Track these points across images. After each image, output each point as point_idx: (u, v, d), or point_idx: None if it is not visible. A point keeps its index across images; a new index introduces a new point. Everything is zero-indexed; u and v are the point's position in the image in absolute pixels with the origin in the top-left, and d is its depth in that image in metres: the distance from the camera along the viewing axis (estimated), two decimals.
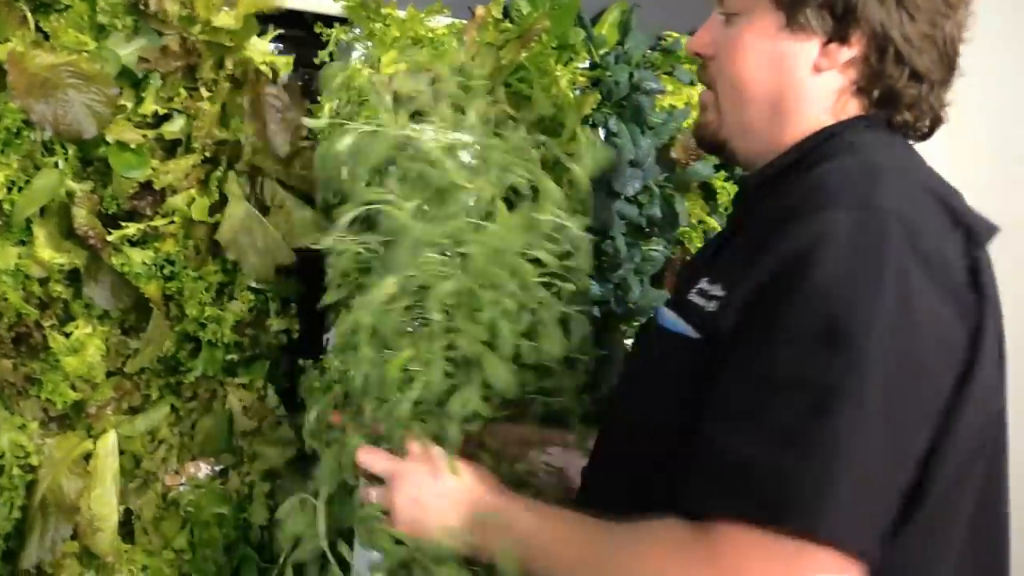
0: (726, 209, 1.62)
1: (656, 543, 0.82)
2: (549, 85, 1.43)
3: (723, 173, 1.62)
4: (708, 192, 1.62)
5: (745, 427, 0.78)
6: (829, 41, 0.90)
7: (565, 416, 1.06)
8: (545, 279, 0.98)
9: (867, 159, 0.87)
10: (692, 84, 1.59)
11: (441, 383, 0.93)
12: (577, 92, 1.48)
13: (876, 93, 0.93)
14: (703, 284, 0.89)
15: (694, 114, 1.58)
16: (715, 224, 1.61)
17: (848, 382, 0.74)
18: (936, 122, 0.95)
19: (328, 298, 1.01)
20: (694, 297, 0.89)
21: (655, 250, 1.53)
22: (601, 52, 1.51)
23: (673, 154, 1.54)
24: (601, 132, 1.51)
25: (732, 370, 0.80)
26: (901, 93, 0.92)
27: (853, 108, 0.94)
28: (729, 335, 0.82)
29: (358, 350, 0.94)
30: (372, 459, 0.96)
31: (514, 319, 0.94)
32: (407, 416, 0.93)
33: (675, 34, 1.61)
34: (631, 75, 1.51)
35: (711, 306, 0.86)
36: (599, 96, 1.48)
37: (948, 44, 0.91)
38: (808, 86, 0.93)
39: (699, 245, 1.61)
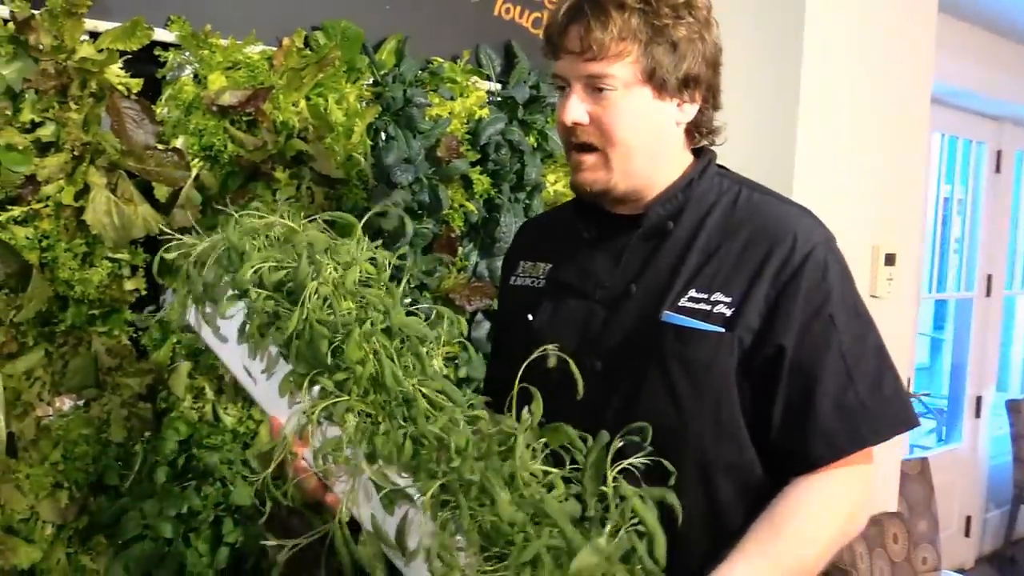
0: (481, 196, 2.07)
1: (810, 500, 1.18)
2: (341, 99, 1.83)
3: (479, 168, 2.07)
4: (467, 182, 2.06)
5: (848, 389, 1.19)
6: (682, 102, 1.25)
7: None
8: None
9: (777, 195, 1.31)
10: (452, 99, 2.02)
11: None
12: (363, 104, 1.89)
13: (704, 129, 1.31)
14: (693, 293, 1.21)
15: (455, 122, 2.02)
16: (472, 207, 2.05)
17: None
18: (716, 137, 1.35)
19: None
20: (691, 303, 1.21)
21: (425, 227, 1.97)
22: (382, 73, 1.92)
23: (438, 153, 1.96)
24: (382, 136, 1.92)
25: (812, 354, 1.18)
26: (714, 127, 1.33)
27: (687, 142, 1.30)
28: (758, 326, 1.19)
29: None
30: None
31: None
32: None
33: (439, 60, 2.04)
34: (405, 92, 1.92)
35: (721, 308, 1.20)
36: (380, 108, 1.89)
37: (720, 85, 1.30)
38: (673, 136, 1.28)
39: (460, 224, 2.05)
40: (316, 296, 1.10)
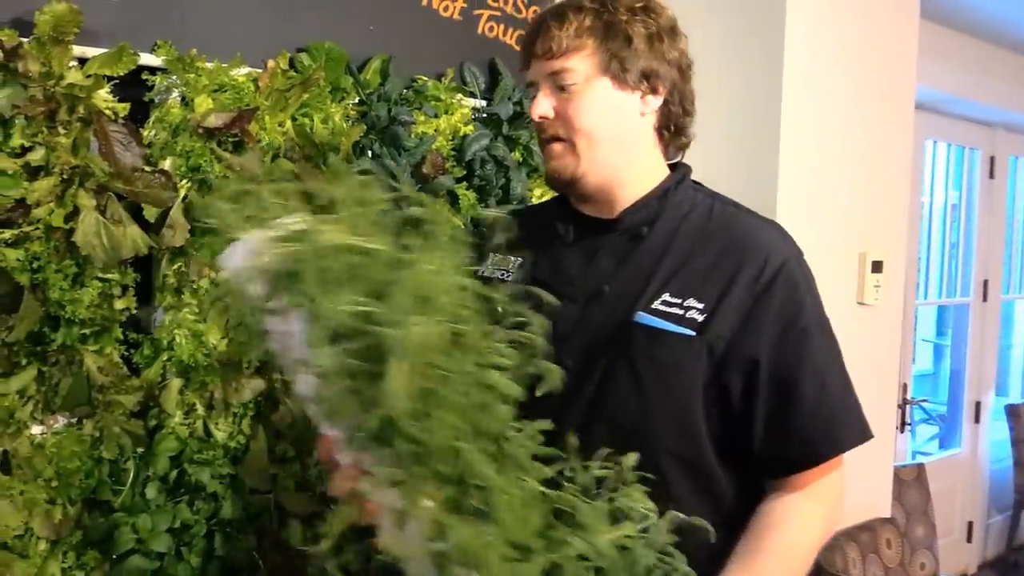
0: (467, 211, 2.10)
1: (791, 517, 1.25)
2: (326, 119, 1.87)
3: (464, 184, 2.10)
4: (453, 198, 2.10)
5: (824, 396, 1.25)
6: (644, 94, 1.31)
7: None
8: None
9: (748, 210, 1.36)
10: (437, 117, 2.06)
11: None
12: (349, 123, 1.93)
13: (672, 128, 1.37)
14: (666, 297, 1.25)
15: (440, 139, 2.06)
16: (459, 222, 2.08)
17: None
18: (687, 145, 1.41)
19: None
20: (664, 307, 1.25)
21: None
22: (367, 92, 1.96)
23: (424, 170, 2.00)
24: (368, 154, 1.96)
25: (789, 362, 1.24)
26: (682, 126, 1.38)
27: (658, 142, 1.35)
28: (730, 335, 1.23)
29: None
30: None
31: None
32: None
33: (424, 78, 2.07)
34: (390, 110, 1.96)
35: (694, 314, 1.24)
36: (365, 127, 1.93)
37: (693, 92, 1.38)
38: (638, 127, 1.33)
39: None
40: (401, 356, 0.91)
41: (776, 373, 1.24)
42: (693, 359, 1.24)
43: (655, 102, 1.32)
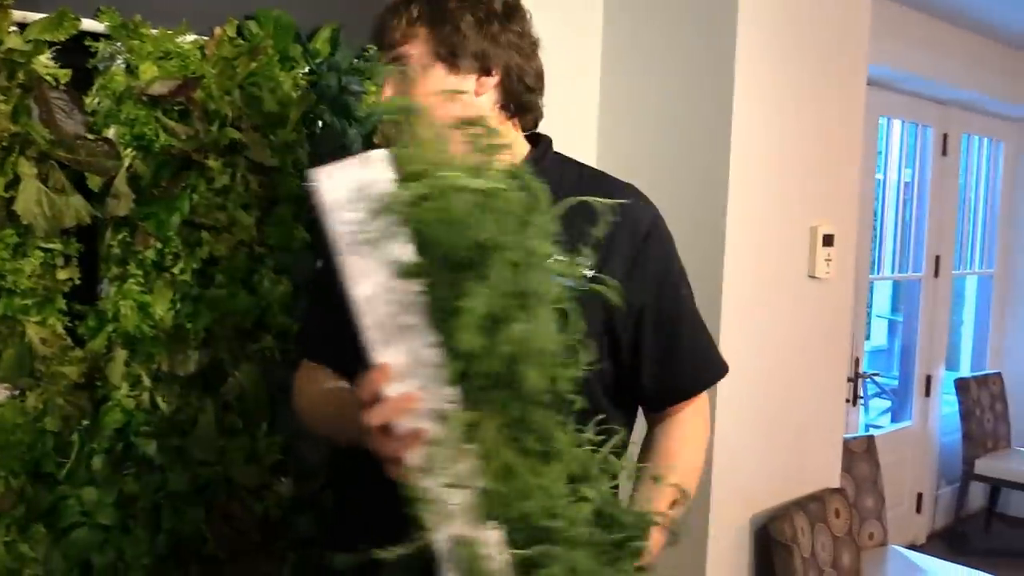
0: None
1: (689, 435, 1.47)
2: (275, 88, 1.85)
3: None
4: None
5: (697, 334, 1.49)
6: (479, 75, 1.40)
7: None
8: None
9: (609, 174, 1.50)
10: None
11: None
12: (299, 93, 1.90)
13: (512, 105, 1.45)
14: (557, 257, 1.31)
15: None
16: None
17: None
18: (539, 119, 1.51)
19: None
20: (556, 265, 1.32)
21: None
22: (316, 62, 1.94)
23: (375, 140, 1.99)
24: (318, 124, 1.94)
25: (670, 307, 1.44)
26: (525, 102, 1.46)
27: (504, 119, 1.44)
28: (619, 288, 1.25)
29: None
30: None
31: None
32: None
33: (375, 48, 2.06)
34: (340, 80, 1.95)
35: (583, 270, 1.23)
36: (315, 96, 1.91)
37: (540, 69, 1.47)
38: (476, 107, 1.40)
39: None
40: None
41: (660, 317, 1.43)
42: (590, 312, 1.28)
43: (490, 82, 1.42)
